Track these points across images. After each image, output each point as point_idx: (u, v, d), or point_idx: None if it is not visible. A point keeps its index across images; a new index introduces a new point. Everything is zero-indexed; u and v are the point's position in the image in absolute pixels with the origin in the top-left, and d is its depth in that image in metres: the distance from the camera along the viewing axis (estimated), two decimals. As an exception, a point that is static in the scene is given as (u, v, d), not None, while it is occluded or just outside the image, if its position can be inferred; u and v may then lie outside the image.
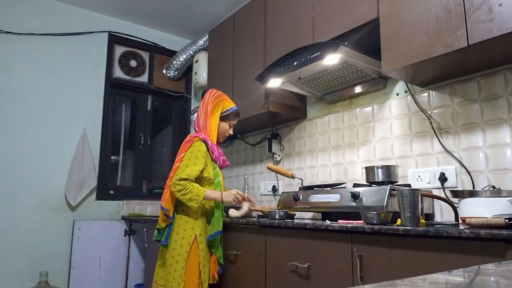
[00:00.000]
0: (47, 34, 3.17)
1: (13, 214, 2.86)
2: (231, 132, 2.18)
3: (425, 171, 1.84)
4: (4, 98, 2.94)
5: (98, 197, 3.25)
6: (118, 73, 3.54)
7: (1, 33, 2.98)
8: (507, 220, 1.08)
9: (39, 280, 2.78)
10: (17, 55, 3.03)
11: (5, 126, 2.92)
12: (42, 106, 3.09)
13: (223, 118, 2.12)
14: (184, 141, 2.03)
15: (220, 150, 2.08)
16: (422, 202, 1.32)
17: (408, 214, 1.30)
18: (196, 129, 2.10)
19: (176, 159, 1.98)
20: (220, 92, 2.18)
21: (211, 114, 2.08)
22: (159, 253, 2.02)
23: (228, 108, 2.13)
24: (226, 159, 2.11)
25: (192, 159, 1.92)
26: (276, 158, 2.73)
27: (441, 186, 1.76)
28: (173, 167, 1.97)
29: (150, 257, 2.74)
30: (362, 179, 2.13)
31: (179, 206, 1.95)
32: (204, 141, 1.98)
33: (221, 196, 1.93)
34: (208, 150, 1.99)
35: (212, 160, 2.03)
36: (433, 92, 1.86)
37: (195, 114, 3.45)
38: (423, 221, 1.33)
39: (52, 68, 3.17)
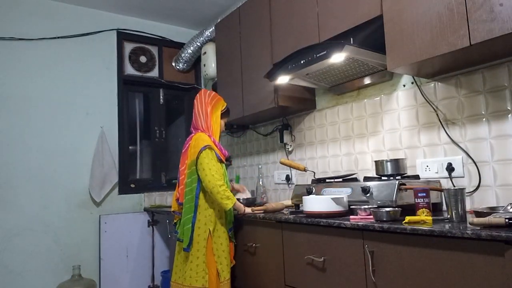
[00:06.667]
0: (58, 37, 3.25)
1: (43, 213, 3.04)
2: (224, 128, 2.37)
3: (432, 161, 1.91)
4: (25, 104, 3.06)
5: (120, 192, 3.40)
6: (129, 70, 3.61)
7: (15, 40, 3.07)
8: (507, 220, 1.15)
9: (73, 273, 2.98)
10: (32, 61, 3.13)
11: (28, 130, 3.06)
12: (61, 108, 3.20)
13: (222, 116, 2.28)
14: (192, 141, 2.13)
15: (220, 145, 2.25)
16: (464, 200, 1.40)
17: (455, 211, 1.39)
18: (194, 130, 2.21)
19: (184, 157, 2.16)
20: (214, 92, 2.31)
21: (211, 113, 2.22)
22: (178, 250, 2.14)
23: (225, 106, 2.31)
24: (224, 149, 2.25)
25: (212, 167, 2.05)
26: (288, 148, 2.81)
27: (448, 176, 1.83)
28: (182, 168, 2.15)
29: (174, 245, 2.90)
30: (372, 168, 2.21)
31: (197, 208, 2.08)
32: (211, 149, 2.09)
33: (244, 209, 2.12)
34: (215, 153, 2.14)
35: (219, 161, 2.15)
36: (439, 84, 1.90)
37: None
38: (429, 217, 1.41)
39: (66, 70, 3.26)
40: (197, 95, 2.27)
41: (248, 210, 2.11)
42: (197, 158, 2.06)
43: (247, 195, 2.54)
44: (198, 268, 2.01)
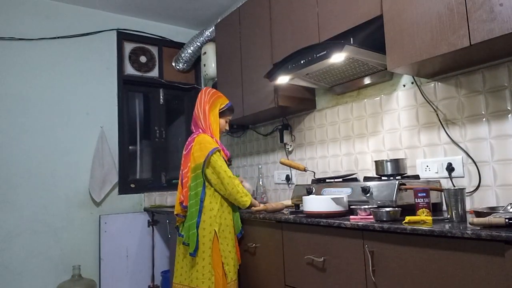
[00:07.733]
0: (58, 37, 3.25)
1: (43, 213, 3.04)
2: (227, 127, 2.31)
3: (432, 161, 1.91)
4: (25, 104, 3.07)
5: (120, 192, 3.40)
6: (129, 70, 3.61)
7: (15, 40, 3.07)
8: (507, 220, 1.15)
9: (73, 273, 2.98)
10: (32, 61, 3.13)
11: (28, 130, 3.06)
12: (61, 108, 3.21)
13: (220, 114, 2.23)
14: (195, 143, 2.10)
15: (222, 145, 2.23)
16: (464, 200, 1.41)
17: (455, 211, 1.39)
18: (194, 129, 2.20)
19: (187, 159, 2.11)
20: (215, 90, 2.27)
21: (209, 112, 2.18)
22: (181, 252, 2.11)
23: (225, 104, 2.25)
24: (225, 149, 2.24)
25: (226, 169, 2.08)
26: (288, 148, 2.81)
27: (448, 176, 1.83)
28: (185, 171, 2.10)
29: (173, 245, 2.90)
30: (372, 168, 2.21)
31: (202, 211, 2.07)
32: (219, 151, 2.10)
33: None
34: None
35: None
36: (439, 84, 1.90)
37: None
38: (429, 217, 1.41)
39: (66, 70, 3.26)
40: (199, 93, 2.26)
41: (262, 206, 2.13)
42: (207, 161, 2.03)
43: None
44: (204, 270, 1.99)
